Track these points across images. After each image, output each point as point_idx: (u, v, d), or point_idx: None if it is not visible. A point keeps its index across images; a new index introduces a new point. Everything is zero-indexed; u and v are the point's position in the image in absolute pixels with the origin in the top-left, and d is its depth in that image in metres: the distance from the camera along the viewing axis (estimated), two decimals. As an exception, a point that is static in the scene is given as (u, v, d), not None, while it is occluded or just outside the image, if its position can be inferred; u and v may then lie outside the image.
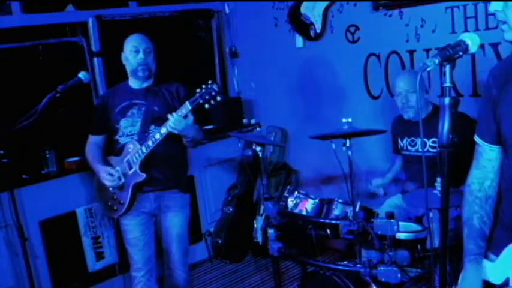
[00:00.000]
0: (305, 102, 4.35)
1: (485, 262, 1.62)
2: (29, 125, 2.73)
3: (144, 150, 2.93)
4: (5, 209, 3.30)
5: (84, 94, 3.90)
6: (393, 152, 3.52)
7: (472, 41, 1.40)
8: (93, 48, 3.98)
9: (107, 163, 3.09)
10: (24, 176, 3.58)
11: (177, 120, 2.82)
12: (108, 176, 3.01)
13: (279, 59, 4.45)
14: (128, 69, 3.09)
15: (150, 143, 2.92)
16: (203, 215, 4.49)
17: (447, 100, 1.37)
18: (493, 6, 1.47)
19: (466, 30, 3.22)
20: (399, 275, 2.49)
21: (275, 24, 4.40)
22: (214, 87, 2.78)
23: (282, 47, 4.39)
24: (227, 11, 4.73)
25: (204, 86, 2.80)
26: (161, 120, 2.93)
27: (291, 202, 2.94)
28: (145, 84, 3.08)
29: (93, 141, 3.18)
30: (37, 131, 2.99)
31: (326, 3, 3.98)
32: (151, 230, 3.20)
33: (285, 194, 3.03)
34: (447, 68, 1.35)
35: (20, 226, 3.07)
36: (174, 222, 3.16)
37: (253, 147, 3.85)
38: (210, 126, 4.52)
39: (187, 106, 2.82)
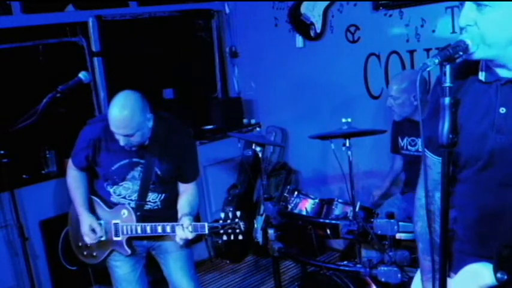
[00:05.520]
0: (305, 102, 4.35)
1: (448, 280, 1.53)
2: (29, 125, 2.72)
3: (139, 231, 2.61)
4: (5, 209, 3.31)
5: (84, 94, 3.91)
6: (391, 151, 3.52)
7: (472, 41, 1.40)
8: (93, 48, 3.98)
9: (91, 205, 2.75)
10: (24, 176, 3.58)
11: (189, 236, 2.50)
12: (90, 233, 2.67)
13: (279, 59, 4.45)
14: None
15: (148, 229, 2.58)
16: (203, 215, 4.48)
17: (447, 100, 1.36)
18: (465, 20, 1.35)
19: (466, 30, 3.22)
20: (399, 275, 2.50)
21: (275, 24, 4.40)
22: (241, 225, 2.43)
23: (282, 47, 4.39)
24: (227, 11, 4.73)
25: (230, 218, 2.46)
26: (163, 184, 2.65)
27: (291, 202, 2.94)
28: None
29: (77, 169, 2.81)
30: (37, 131, 2.99)
31: (326, 3, 3.98)
32: (143, 261, 2.86)
33: (285, 194, 3.04)
34: (447, 68, 1.35)
35: (21, 226, 3.06)
36: (178, 256, 2.82)
37: (253, 147, 3.86)
38: (210, 126, 4.52)
39: (205, 230, 2.49)
